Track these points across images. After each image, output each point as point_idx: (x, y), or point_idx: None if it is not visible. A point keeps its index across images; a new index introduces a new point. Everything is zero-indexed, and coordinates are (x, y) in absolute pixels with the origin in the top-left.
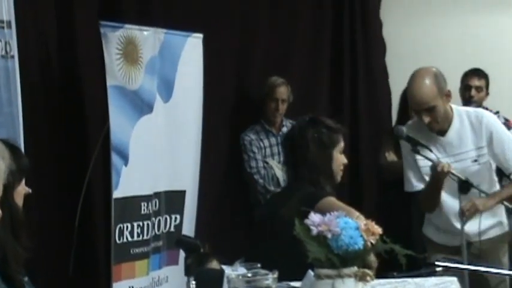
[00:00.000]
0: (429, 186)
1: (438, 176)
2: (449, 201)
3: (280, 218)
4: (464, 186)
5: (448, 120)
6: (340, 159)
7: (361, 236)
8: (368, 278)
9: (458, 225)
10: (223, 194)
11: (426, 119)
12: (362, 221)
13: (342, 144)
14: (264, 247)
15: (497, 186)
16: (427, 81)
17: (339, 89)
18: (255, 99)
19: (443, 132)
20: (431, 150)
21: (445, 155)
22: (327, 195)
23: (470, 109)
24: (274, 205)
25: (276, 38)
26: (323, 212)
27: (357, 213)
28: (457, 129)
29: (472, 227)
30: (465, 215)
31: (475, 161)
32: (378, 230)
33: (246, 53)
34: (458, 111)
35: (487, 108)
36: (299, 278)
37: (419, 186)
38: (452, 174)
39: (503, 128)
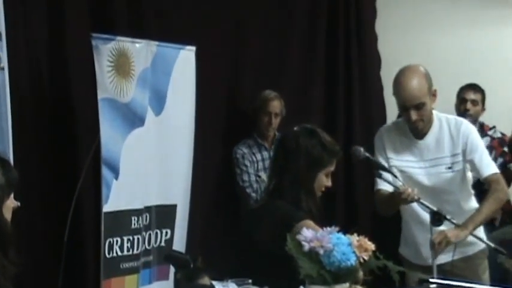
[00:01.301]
0: (388, 201)
1: (400, 202)
2: (420, 233)
3: (256, 241)
4: (436, 218)
5: (429, 123)
6: (323, 181)
7: (354, 252)
8: None
9: (428, 257)
10: (214, 207)
11: (414, 116)
12: None
13: (331, 168)
14: (252, 264)
15: (473, 200)
16: (418, 78)
17: (333, 102)
18: (247, 112)
19: (421, 135)
20: (393, 174)
21: (420, 158)
22: (304, 217)
23: (451, 116)
24: (251, 226)
25: (269, 50)
26: None
27: None
28: (435, 134)
29: (444, 255)
30: (435, 248)
31: (449, 168)
32: (371, 246)
33: (239, 65)
34: (439, 116)
35: (483, 123)
36: None
37: (384, 186)
38: (422, 203)
39: (479, 137)
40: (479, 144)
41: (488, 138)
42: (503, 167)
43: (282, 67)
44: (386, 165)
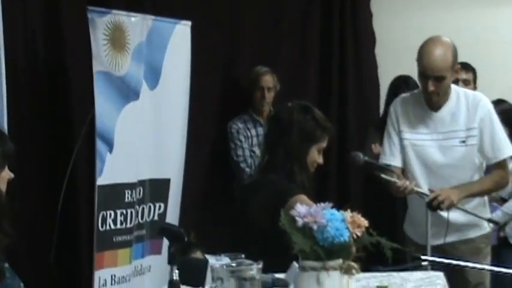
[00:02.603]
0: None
1: (397, 194)
2: (425, 213)
3: (250, 216)
4: (434, 205)
5: (445, 96)
6: (314, 156)
7: (347, 228)
8: (353, 271)
9: (433, 237)
10: (208, 183)
11: (431, 87)
12: None
13: (323, 144)
14: (243, 240)
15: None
16: (446, 50)
17: (328, 80)
18: (242, 88)
19: (437, 107)
20: (391, 171)
21: (433, 131)
22: (298, 192)
23: (470, 91)
24: (244, 201)
25: (264, 27)
26: None
27: None
28: (451, 107)
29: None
30: (433, 208)
31: (463, 142)
32: (364, 222)
33: (234, 41)
34: (457, 89)
35: None
36: (283, 270)
37: (390, 160)
38: (420, 193)
39: (497, 117)
40: (495, 125)
41: None
42: None
43: (277, 44)
44: (397, 139)
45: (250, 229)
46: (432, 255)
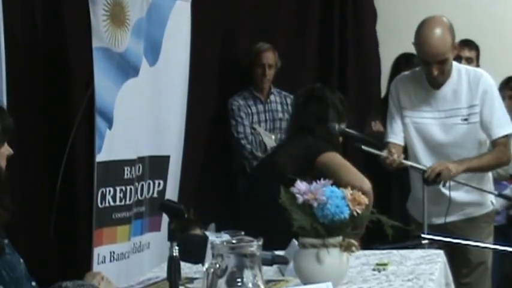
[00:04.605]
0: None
1: (386, 167)
2: (426, 192)
3: (275, 163)
4: (429, 178)
5: (448, 74)
6: (339, 137)
7: (348, 205)
8: (353, 248)
9: (435, 216)
10: (208, 159)
11: (435, 72)
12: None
13: (343, 125)
14: (245, 218)
15: None
16: (443, 32)
17: (328, 57)
18: (242, 65)
19: (438, 85)
20: (373, 144)
21: (435, 109)
22: (334, 150)
23: (470, 67)
24: (273, 153)
25: (264, 4)
26: (326, 166)
27: (363, 178)
28: (453, 84)
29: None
30: (430, 180)
31: (465, 119)
32: (365, 199)
33: (234, 18)
34: (458, 66)
35: None
36: (282, 248)
37: (392, 138)
38: (411, 166)
39: (498, 93)
40: (496, 101)
41: None
42: None
43: (277, 20)
44: (399, 117)
45: (254, 205)
46: (434, 234)
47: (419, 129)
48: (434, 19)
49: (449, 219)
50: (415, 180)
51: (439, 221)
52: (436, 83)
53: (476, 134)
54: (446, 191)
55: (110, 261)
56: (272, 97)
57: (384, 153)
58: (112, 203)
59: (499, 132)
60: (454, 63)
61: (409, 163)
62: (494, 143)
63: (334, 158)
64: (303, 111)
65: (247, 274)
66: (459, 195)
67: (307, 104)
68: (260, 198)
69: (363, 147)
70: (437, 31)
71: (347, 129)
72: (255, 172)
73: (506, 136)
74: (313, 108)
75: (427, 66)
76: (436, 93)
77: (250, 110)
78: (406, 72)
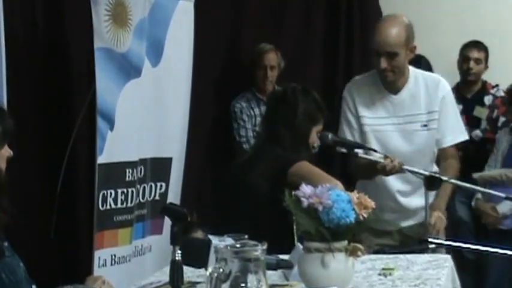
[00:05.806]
0: (367, 170)
1: (383, 174)
2: (383, 198)
3: (249, 184)
4: (431, 182)
5: (403, 77)
6: (314, 137)
7: (353, 209)
8: (359, 252)
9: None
10: (210, 162)
11: (383, 64)
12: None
13: (320, 127)
14: (247, 220)
15: (434, 167)
16: (398, 26)
17: (334, 58)
18: (245, 66)
19: (396, 90)
20: (370, 149)
21: (393, 114)
22: (302, 159)
23: (428, 73)
24: (243, 168)
25: (268, 4)
26: (298, 177)
27: (336, 181)
28: (410, 89)
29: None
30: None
31: (425, 125)
32: (371, 203)
33: (238, 18)
34: (415, 72)
35: (486, 82)
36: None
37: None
38: (411, 171)
39: (454, 100)
40: (452, 108)
41: (490, 97)
42: (505, 126)
43: (281, 20)
44: (355, 125)
45: (242, 206)
46: (439, 238)
47: (379, 137)
48: (394, 15)
49: (405, 223)
50: (367, 185)
51: (393, 227)
52: (387, 83)
53: (434, 142)
54: (400, 198)
55: (111, 264)
56: None
57: (386, 161)
58: (113, 206)
59: (451, 140)
60: (411, 68)
61: (409, 168)
62: (445, 152)
63: (303, 167)
64: (272, 116)
65: (252, 279)
66: (412, 200)
67: (277, 108)
68: (232, 217)
69: (359, 155)
70: (392, 23)
71: (339, 138)
72: (227, 187)
73: (455, 146)
74: (281, 113)
75: (376, 58)
76: (393, 98)
77: (253, 112)
78: (358, 77)
